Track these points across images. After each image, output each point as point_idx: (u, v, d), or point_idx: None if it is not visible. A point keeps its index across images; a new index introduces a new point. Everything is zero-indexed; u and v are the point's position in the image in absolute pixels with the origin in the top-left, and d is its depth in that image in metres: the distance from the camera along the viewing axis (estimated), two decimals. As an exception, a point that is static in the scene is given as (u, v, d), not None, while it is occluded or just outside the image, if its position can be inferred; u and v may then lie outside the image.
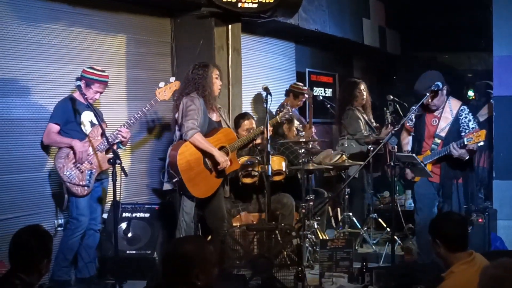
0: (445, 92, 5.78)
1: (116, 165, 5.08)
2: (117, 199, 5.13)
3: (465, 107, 5.81)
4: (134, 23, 6.77)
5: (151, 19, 6.95)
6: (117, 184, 5.06)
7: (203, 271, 2.89)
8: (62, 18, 6.05)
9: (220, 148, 5.71)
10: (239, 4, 6.71)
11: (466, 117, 5.73)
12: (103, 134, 5.56)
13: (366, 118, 7.91)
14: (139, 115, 5.79)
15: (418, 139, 5.93)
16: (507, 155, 7.07)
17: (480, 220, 6.51)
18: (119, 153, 5.46)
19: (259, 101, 8.12)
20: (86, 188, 5.51)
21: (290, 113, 6.33)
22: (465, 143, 5.54)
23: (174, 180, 5.42)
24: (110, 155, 5.44)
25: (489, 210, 6.83)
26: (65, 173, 5.45)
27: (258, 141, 6.12)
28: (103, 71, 5.69)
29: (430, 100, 5.71)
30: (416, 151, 5.92)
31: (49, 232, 3.64)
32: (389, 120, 7.35)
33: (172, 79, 5.93)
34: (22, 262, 3.41)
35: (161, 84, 5.89)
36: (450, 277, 3.82)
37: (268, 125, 5.87)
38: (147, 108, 5.80)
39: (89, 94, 5.59)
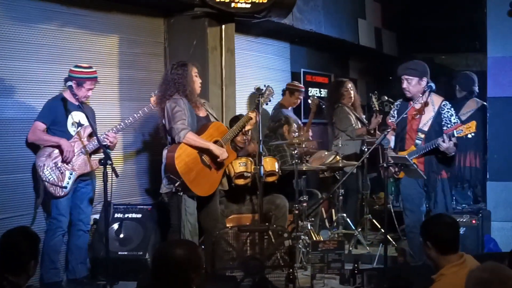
0: (423, 83, 5.79)
1: (107, 166, 5.07)
2: (109, 199, 5.12)
3: (447, 102, 5.84)
4: (127, 23, 6.75)
5: (144, 19, 6.94)
6: (108, 185, 5.05)
7: (196, 274, 2.92)
8: (55, 18, 6.04)
9: (214, 143, 5.70)
10: (232, 4, 6.69)
11: (448, 112, 5.75)
12: (91, 135, 5.54)
13: (357, 115, 7.91)
14: (129, 121, 5.76)
15: (401, 136, 5.92)
16: (501, 156, 7.05)
17: (473, 221, 6.50)
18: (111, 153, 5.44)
19: (253, 101, 8.09)
20: (63, 189, 5.46)
21: (273, 94, 6.28)
22: (455, 135, 5.53)
23: (176, 184, 5.38)
24: (96, 157, 5.44)
25: (482, 211, 6.81)
26: (44, 172, 5.41)
27: (248, 127, 6.07)
28: (91, 67, 5.67)
29: (403, 85, 5.76)
30: (400, 147, 5.91)
31: (37, 234, 3.62)
32: (377, 108, 7.38)
33: None
34: (10, 263, 3.40)
35: (157, 91, 5.87)
36: (440, 280, 3.80)
37: (256, 111, 5.89)
38: (138, 115, 5.77)
39: (81, 93, 5.57)
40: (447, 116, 5.74)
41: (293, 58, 9.27)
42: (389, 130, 5.78)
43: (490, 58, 7.07)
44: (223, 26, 7.03)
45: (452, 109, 5.81)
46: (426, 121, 5.76)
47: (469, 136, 5.60)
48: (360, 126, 7.82)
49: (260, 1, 6.79)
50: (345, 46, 10.04)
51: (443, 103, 5.78)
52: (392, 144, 5.98)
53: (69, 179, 5.49)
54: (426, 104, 5.84)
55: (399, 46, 11.71)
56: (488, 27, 7.04)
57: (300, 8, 8.30)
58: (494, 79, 7.07)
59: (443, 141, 5.53)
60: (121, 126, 5.75)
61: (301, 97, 8.24)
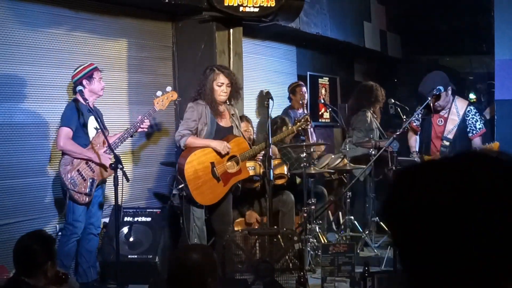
0: (450, 92, 5.78)
1: (118, 170, 5.08)
2: (119, 203, 5.13)
3: (472, 108, 5.80)
4: (135, 28, 6.77)
5: (152, 23, 6.96)
6: (118, 189, 5.06)
7: (213, 279, 2.93)
8: (64, 23, 6.06)
9: (231, 158, 5.69)
10: (241, 8, 6.71)
11: (473, 118, 5.71)
12: (105, 142, 5.55)
13: (378, 124, 7.88)
14: (138, 125, 5.71)
15: (426, 140, 5.90)
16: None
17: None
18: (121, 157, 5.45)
19: (261, 104, 8.13)
20: (88, 196, 5.48)
21: (309, 122, 6.31)
22: None
23: (179, 187, 5.40)
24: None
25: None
26: (69, 180, 5.41)
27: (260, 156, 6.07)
28: (85, 63, 5.67)
29: (434, 102, 5.74)
30: (425, 152, 5.89)
31: (52, 236, 3.65)
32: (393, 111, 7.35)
33: (169, 88, 5.91)
34: (26, 267, 3.43)
35: (159, 93, 5.84)
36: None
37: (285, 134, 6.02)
38: (145, 118, 5.73)
39: (98, 86, 5.58)
40: (472, 122, 5.70)
41: (299, 61, 9.28)
42: (398, 133, 5.78)
43: (497, 60, 7.08)
44: (231, 30, 7.04)
45: (477, 114, 5.78)
46: (451, 129, 5.74)
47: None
48: (378, 135, 7.76)
49: (268, 5, 6.81)
50: (351, 49, 10.06)
51: (468, 108, 5.76)
52: (417, 147, 5.96)
53: (92, 185, 5.49)
54: (437, 98, 5.83)
55: (404, 49, 11.73)
56: (495, 30, 7.06)
57: (306, 12, 8.32)
58: (501, 82, 7.08)
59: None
60: (132, 130, 5.73)
61: (304, 90, 8.20)
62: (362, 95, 8.12)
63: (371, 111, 7.82)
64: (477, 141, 5.63)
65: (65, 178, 5.42)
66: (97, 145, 5.58)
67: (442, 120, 5.80)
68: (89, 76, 5.56)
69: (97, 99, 5.72)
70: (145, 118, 5.75)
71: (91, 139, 5.58)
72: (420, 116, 5.96)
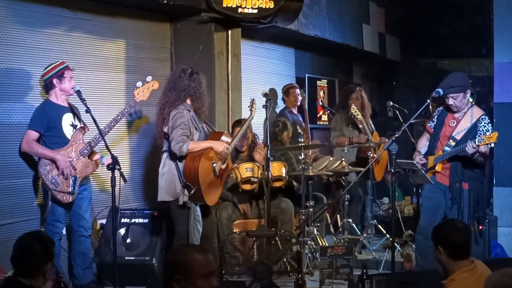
0: (468, 95, 5.76)
1: (115, 171, 5.05)
2: (116, 204, 5.10)
3: (486, 117, 5.77)
4: (133, 28, 6.76)
5: (150, 24, 6.94)
6: (116, 190, 5.03)
7: (186, 279, 2.82)
8: (62, 23, 6.04)
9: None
10: (239, 10, 6.71)
11: (485, 126, 5.66)
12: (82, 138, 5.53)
13: (359, 125, 7.83)
14: (119, 118, 5.70)
15: (434, 139, 5.87)
16: (507, 162, 7.04)
17: (480, 227, 6.47)
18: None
19: (258, 106, 8.09)
20: (71, 195, 5.43)
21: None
22: (476, 143, 5.47)
23: (192, 192, 5.35)
24: (94, 159, 5.48)
25: (489, 217, 6.79)
26: (50, 180, 5.36)
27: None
28: (56, 61, 5.62)
29: (449, 102, 5.72)
30: (430, 152, 5.87)
31: (51, 237, 3.64)
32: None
33: (149, 78, 5.88)
34: (26, 267, 3.44)
35: (139, 84, 5.84)
36: (451, 285, 3.81)
37: (247, 124, 5.95)
38: (126, 110, 5.75)
39: (68, 85, 5.52)
40: (483, 130, 5.63)
41: (297, 63, 9.28)
42: (396, 135, 5.75)
43: (497, 63, 7.06)
44: (230, 31, 7.05)
45: (490, 124, 5.74)
46: (460, 130, 5.71)
47: (490, 146, 5.56)
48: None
49: (267, 7, 6.80)
50: (349, 51, 10.06)
51: (482, 116, 5.72)
52: (424, 150, 5.93)
53: (74, 183, 5.45)
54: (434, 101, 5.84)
55: (403, 51, 11.75)
56: (494, 33, 7.04)
57: (305, 14, 8.32)
58: (500, 85, 7.06)
59: (470, 146, 5.46)
60: (113, 124, 5.67)
61: (298, 91, 8.18)
62: (340, 97, 8.37)
63: (344, 113, 7.80)
64: (482, 149, 5.54)
65: (46, 179, 5.36)
66: (77, 142, 5.52)
67: (455, 122, 5.78)
68: (60, 75, 5.51)
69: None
70: (126, 110, 5.75)
71: (69, 136, 5.52)
72: (436, 118, 5.93)
